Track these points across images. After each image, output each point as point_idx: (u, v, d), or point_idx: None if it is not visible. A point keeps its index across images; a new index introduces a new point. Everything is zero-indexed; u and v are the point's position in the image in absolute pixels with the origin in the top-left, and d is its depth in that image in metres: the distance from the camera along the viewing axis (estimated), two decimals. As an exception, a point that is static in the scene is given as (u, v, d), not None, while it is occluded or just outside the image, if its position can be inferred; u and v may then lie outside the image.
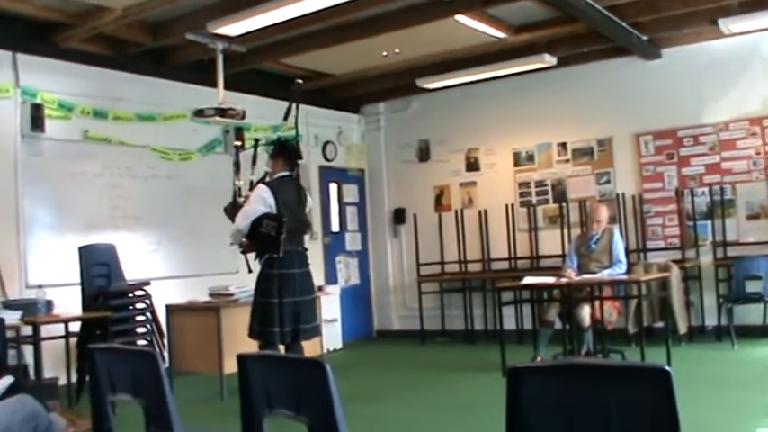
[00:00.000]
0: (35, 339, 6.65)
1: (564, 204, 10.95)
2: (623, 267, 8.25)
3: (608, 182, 10.65)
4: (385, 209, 12.72)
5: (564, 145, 11.02)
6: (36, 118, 8.14)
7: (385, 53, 10.06)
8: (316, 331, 7.13)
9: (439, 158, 12.16)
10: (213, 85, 8.96)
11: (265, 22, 7.96)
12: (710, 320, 9.67)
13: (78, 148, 8.73)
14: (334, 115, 12.35)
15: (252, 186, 7.15)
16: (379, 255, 12.80)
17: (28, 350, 6.79)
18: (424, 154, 12.33)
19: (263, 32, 8.40)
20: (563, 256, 9.79)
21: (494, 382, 7.35)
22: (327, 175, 12.25)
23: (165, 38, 8.76)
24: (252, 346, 6.74)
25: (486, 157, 11.72)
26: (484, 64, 10.34)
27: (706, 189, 9.92)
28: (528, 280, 8.40)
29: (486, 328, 11.28)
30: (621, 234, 9.49)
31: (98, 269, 7.97)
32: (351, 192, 12.67)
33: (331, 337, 10.61)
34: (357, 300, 12.34)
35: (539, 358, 8.05)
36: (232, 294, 7.85)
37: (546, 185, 11.17)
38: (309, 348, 7.74)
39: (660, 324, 9.17)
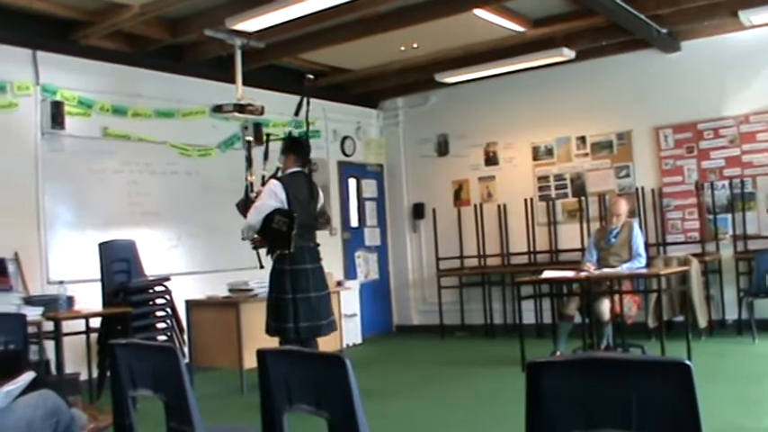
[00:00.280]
0: (56, 335, 6.70)
1: (583, 198, 10.92)
2: (643, 261, 8.23)
3: (627, 175, 10.61)
4: (404, 204, 12.71)
5: (583, 139, 10.98)
6: (56, 115, 8.19)
7: (403, 48, 10.04)
8: (332, 327, 7.13)
9: (458, 153, 12.13)
10: (232, 80, 8.98)
11: (284, 17, 7.96)
12: (731, 314, 9.62)
13: (98, 145, 8.77)
14: (352, 110, 12.35)
15: (264, 181, 7.17)
16: (398, 250, 12.80)
17: (49, 346, 6.83)
18: (442, 148, 12.31)
19: (281, 28, 8.41)
20: (582, 250, 9.77)
21: (513, 377, 7.34)
22: (346, 170, 12.25)
23: (184, 34, 8.78)
24: (271, 342, 6.76)
25: (504, 151, 11.70)
26: (502, 58, 10.32)
27: (726, 182, 9.87)
28: (547, 274, 8.38)
29: (506, 323, 11.28)
30: (641, 228, 9.45)
31: (118, 265, 7.99)
32: (370, 187, 12.66)
33: (351, 332, 10.64)
34: (376, 295, 12.35)
35: (558, 352, 8.04)
36: (251, 289, 7.87)
37: (565, 179, 11.14)
38: (329, 343, 7.77)
39: (680, 318, 9.15)
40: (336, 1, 7.55)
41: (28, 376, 4.11)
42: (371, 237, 12.56)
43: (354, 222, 12.34)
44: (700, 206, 10.04)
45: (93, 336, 7.45)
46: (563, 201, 11.16)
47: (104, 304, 7.68)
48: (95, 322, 7.44)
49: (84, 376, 7.46)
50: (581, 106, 10.95)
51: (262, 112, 8.96)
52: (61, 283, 7.19)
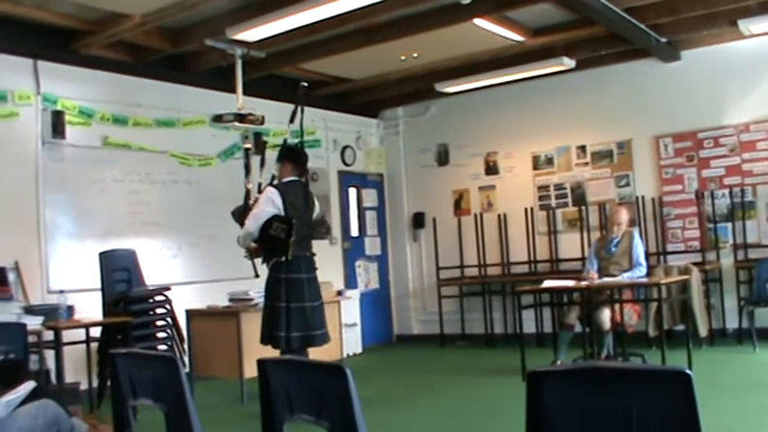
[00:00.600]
0: (56, 344, 6.69)
1: (583, 207, 10.92)
2: (643, 270, 8.22)
3: (627, 184, 10.61)
4: (404, 213, 12.72)
5: (583, 148, 10.99)
6: (57, 124, 8.20)
7: (403, 57, 10.06)
8: (325, 338, 7.06)
9: (458, 162, 12.14)
10: (232, 90, 8.99)
11: (284, 27, 7.98)
12: (731, 323, 9.62)
13: (98, 155, 8.77)
14: (352, 120, 12.36)
15: (260, 189, 7.17)
16: (398, 259, 12.80)
17: (49, 355, 6.82)
18: (443, 158, 12.32)
19: (281, 38, 8.43)
20: (583, 259, 9.78)
21: (514, 386, 7.33)
22: (346, 179, 12.26)
23: (185, 44, 8.80)
24: (271, 351, 6.75)
25: (505, 160, 11.70)
26: (502, 67, 10.34)
27: (726, 191, 9.87)
28: (548, 283, 8.39)
29: (506, 332, 11.28)
30: (641, 237, 9.45)
31: (119, 274, 8.00)
32: (370, 196, 12.67)
33: (351, 341, 10.63)
34: (377, 304, 12.34)
35: (559, 362, 8.03)
36: (252, 299, 7.87)
37: (565, 188, 11.14)
38: (329, 353, 7.76)
39: (681, 327, 9.14)
40: (336, 11, 7.57)
41: (28, 386, 4.12)
42: (372, 246, 12.56)
43: (355, 232, 12.34)
44: (700, 215, 10.04)
45: (94, 345, 7.45)
46: (563, 210, 11.16)
47: (105, 314, 7.68)
48: (96, 332, 7.44)
49: (84, 386, 7.46)
50: (581, 115, 10.96)
51: (262, 122, 8.97)
52: (62, 292, 7.18)
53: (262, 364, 2.75)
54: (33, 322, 6.55)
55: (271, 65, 9.74)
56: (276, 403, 2.70)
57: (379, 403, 7.10)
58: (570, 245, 10.97)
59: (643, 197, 10.41)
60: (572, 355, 8.24)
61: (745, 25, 8.90)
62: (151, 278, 8.31)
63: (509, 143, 11.61)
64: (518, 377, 7.71)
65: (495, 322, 11.43)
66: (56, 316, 6.87)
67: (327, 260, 10.51)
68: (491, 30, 8.93)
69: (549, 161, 11.28)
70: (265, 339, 6.86)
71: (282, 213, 6.75)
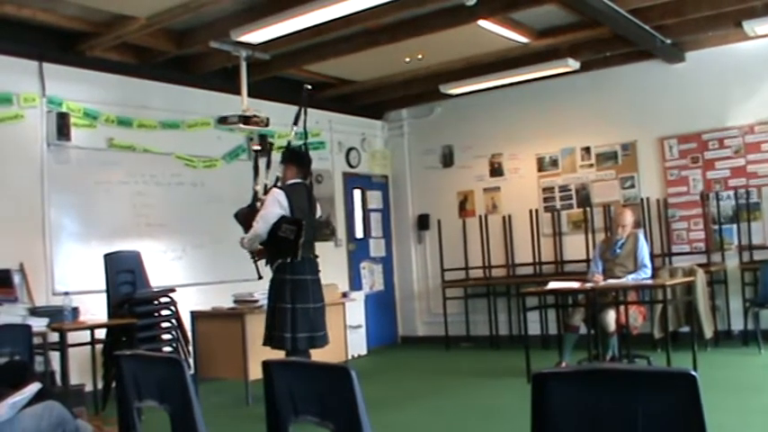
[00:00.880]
0: (62, 346, 6.69)
1: (588, 209, 10.91)
2: (648, 272, 8.20)
3: (632, 186, 10.61)
4: (409, 215, 12.72)
5: (588, 149, 10.98)
6: (62, 126, 8.21)
7: (408, 59, 10.05)
8: (326, 339, 7.10)
9: (463, 164, 12.14)
10: (237, 92, 9.01)
11: (288, 29, 7.98)
12: (737, 325, 9.61)
13: (103, 156, 8.79)
14: (357, 122, 12.37)
15: (266, 191, 7.17)
16: (403, 261, 12.80)
17: (54, 357, 6.83)
18: (447, 160, 12.32)
19: (286, 40, 8.44)
20: (587, 260, 9.77)
21: (519, 388, 7.32)
22: (351, 181, 12.26)
23: (189, 46, 8.80)
24: (276, 353, 6.75)
25: (509, 162, 11.70)
26: (507, 69, 10.33)
27: (731, 192, 9.85)
28: (552, 285, 8.38)
29: (511, 334, 11.27)
30: (646, 238, 9.43)
31: (123, 276, 8.00)
32: (375, 198, 12.67)
33: (356, 343, 10.63)
34: (381, 306, 12.34)
35: (564, 363, 8.02)
36: (257, 301, 7.87)
37: (570, 190, 11.14)
38: (334, 355, 7.77)
39: (686, 329, 9.13)
40: (340, 13, 7.57)
41: (34, 387, 4.12)
42: (376, 248, 12.57)
43: (359, 234, 12.34)
44: (705, 216, 10.03)
45: (99, 347, 7.45)
46: (568, 212, 11.16)
47: (109, 315, 7.69)
48: (100, 333, 7.43)
49: (89, 387, 7.47)
50: (586, 117, 10.95)
51: (267, 124, 9.00)
52: (66, 294, 7.19)
53: (267, 365, 2.75)
54: (38, 324, 6.55)
55: (275, 67, 9.74)
56: (281, 405, 2.70)
57: (383, 405, 7.10)
58: (575, 246, 10.96)
59: (648, 199, 10.41)
60: (577, 357, 8.22)
61: (751, 26, 8.89)
62: (156, 280, 8.31)
63: (514, 145, 11.60)
64: (523, 379, 7.70)
65: (500, 324, 11.43)
66: (61, 317, 6.88)
67: (332, 262, 10.53)
68: (496, 31, 8.93)
69: (554, 163, 11.28)
70: (270, 341, 6.87)
71: (289, 215, 6.77)
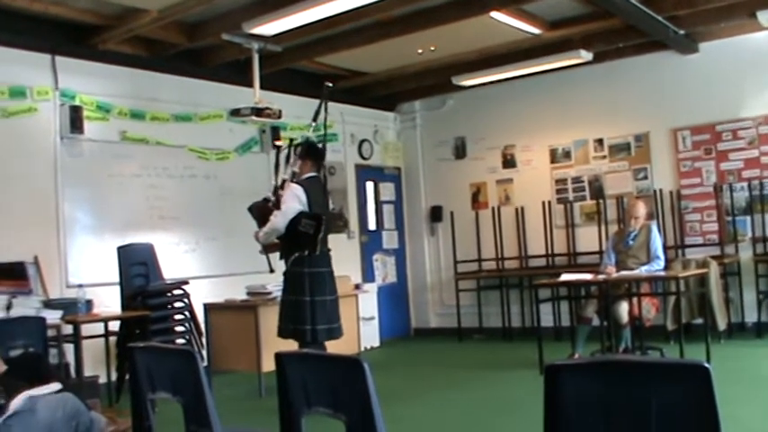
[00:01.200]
0: (76, 338, 6.72)
1: (601, 201, 10.89)
2: (661, 264, 8.18)
3: (645, 177, 10.58)
4: (422, 207, 12.71)
5: (600, 141, 10.96)
6: (75, 120, 8.23)
7: (420, 51, 10.04)
8: (341, 330, 7.15)
9: (475, 156, 12.13)
10: (249, 84, 9.01)
11: (300, 21, 7.98)
12: (750, 317, 9.59)
13: (116, 149, 8.81)
14: (370, 113, 12.36)
15: (282, 185, 7.18)
16: (416, 253, 12.80)
17: (69, 349, 6.86)
18: (460, 151, 12.31)
19: (298, 32, 8.43)
20: (600, 252, 9.75)
21: (531, 380, 7.33)
22: (364, 173, 12.26)
23: (201, 38, 8.81)
24: (289, 345, 6.77)
25: (522, 153, 11.68)
26: (519, 60, 10.31)
27: (745, 184, 9.82)
28: (565, 277, 8.36)
29: (524, 326, 11.26)
30: (659, 230, 9.40)
31: (137, 269, 8.03)
32: (387, 190, 12.67)
33: (368, 335, 10.63)
34: (394, 298, 12.35)
35: (576, 355, 8.02)
36: (270, 293, 7.89)
37: (583, 182, 11.11)
38: (347, 347, 7.78)
39: (699, 321, 9.10)
40: (353, 5, 7.57)
41: (54, 386, 4.16)
42: (389, 240, 12.57)
43: (372, 225, 12.35)
44: (718, 208, 10.00)
45: (112, 339, 7.48)
46: (581, 203, 11.14)
47: (123, 308, 7.72)
48: (114, 325, 7.47)
49: (103, 379, 7.49)
50: (598, 108, 10.92)
51: (279, 116, 9.00)
52: (80, 286, 7.23)
53: (279, 357, 2.75)
54: (53, 316, 6.59)
55: (287, 59, 9.74)
56: (294, 397, 2.71)
57: (396, 397, 7.11)
58: (588, 238, 10.94)
59: (661, 190, 10.37)
60: (590, 349, 8.21)
61: (765, 16, 8.84)
62: (169, 272, 8.34)
63: (526, 136, 11.58)
64: (536, 371, 7.70)
65: (513, 316, 11.43)
66: (75, 310, 6.92)
67: (345, 254, 10.53)
68: (508, 23, 8.90)
69: (567, 154, 11.26)
70: (287, 333, 6.89)
71: (307, 209, 6.80)
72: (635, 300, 7.92)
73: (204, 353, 8.08)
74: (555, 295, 9.70)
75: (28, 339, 5.97)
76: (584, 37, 9.76)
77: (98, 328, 7.27)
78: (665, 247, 9.13)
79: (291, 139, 7.63)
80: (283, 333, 6.92)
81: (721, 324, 9.11)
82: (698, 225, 10.16)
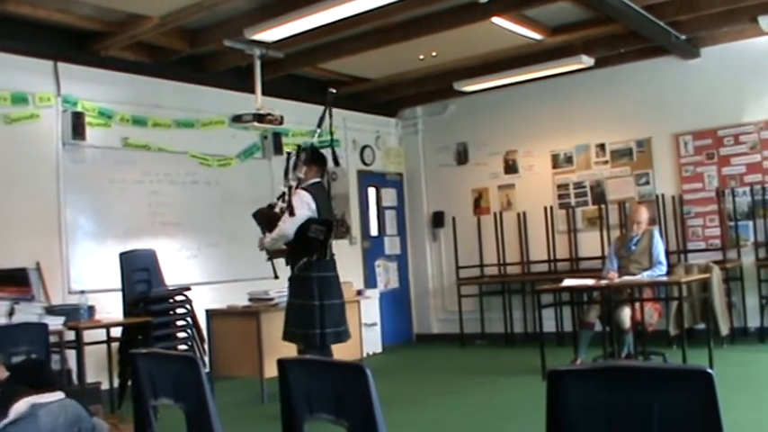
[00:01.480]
0: (78, 344, 6.73)
1: (603, 206, 10.88)
2: (663, 269, 8.18)
3: (647, 183, 10.57)
4: (424, 212, 12.71)
5: (602, 146, 10.95)
6: (77, 126, 8.25)
7: (422, 57, 10.05)
8: (349, 334, 7.22)
9: (477, 161, 12.13)
10: (251, 90, 9.01)
11: (302, 27, 7.99)
12: (753, 322, 9.58)
13: (118, 155, 8.82)
14: (371, 119, 12.36)
15: (289, 192, 7.18)
16: (418, 258, 12.80)
17: (71, 355, 6.86)
18: (462, 157, 12.31)
19: (300, 38, 8.44)
20: (602, 257, 9.74)
21: (534, 385, 7.32)
22: (366, 179, 12.26)
23: (203, 45, 8.82)
24: (292, 351, 6.77)
25: (524, 159, 11.68)
26: (521, 66, 10.32)
27: (747, 189, 9.81)
28: (568, 282, 8.36)
29: (526, 331, 11.25)
30: (661, 235, 9.40)
31: (139, 275, 8.02)
32: (389, 195, 12.67)
33: (371, 340, 10.63)
34: (396, 303, 12.34)
35: (579, 361, 8.01)
36: (272, 299, 7.89)
37: (585, 187, 11.11)
38: (349, 352, 7.78)
39: (702, 326, 9.09)
40: (354, 11, 7.58)
41: (57, 396, 4.17)
42: (391, 245, 12.57)
43: (374, 231, 12.35)
44: (720, 213, 9.99)
45: (115, 345, 7.48)
46: (583, 208, 11.13)
47: (125, 314, 7.71)
48: (116, 332, 7.47)
49: (105, 386, 7.49)
50: (600, 114, 10.92)
51: (281, 122, 9.00)
52: (82, 292, 7.22)
53: (282, 363, 2.75)
54: (55, 322, 6.59)
55: (289, 65, 9.75)
56: (296, 403, 2.70)
57: (398, 403, 7.10)
58: (590, 243, 10.93)
59: (663, 195, 10.37)
60: (592, 354, 8.21)
61: (766, 21, 8.84)
62: (171, 278, 8.33)
63: (528, 142, 11.59)
64: (538, 376, 7.69)
65: (515, 321, 11.41)
66: (77, 316, 6.92)
67: (347, 260, 10.52)
68: (509, 28, 8.91)
69: (569, 159, 11.26)
70: (295, 338, 6.91)
71: (316, 215, 6.84)
72: (637, 305, 7.92)
73: (206, 359, 8.08)
74: (557, 301, 9.69)
75: (30, 346, 5.98)
76: (585, 42, 9.76)
77: (100, 334, 7.27)
78: (668, 253, 9.11)
79: (299, 146, 7.64)
80: (289, 336, 6.94)
81: (724, 329, 9.09)
82: (700, 230, 10.15)
